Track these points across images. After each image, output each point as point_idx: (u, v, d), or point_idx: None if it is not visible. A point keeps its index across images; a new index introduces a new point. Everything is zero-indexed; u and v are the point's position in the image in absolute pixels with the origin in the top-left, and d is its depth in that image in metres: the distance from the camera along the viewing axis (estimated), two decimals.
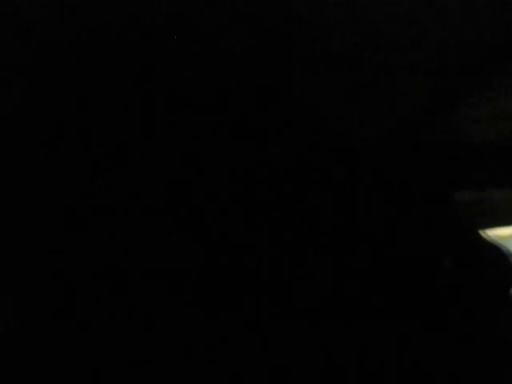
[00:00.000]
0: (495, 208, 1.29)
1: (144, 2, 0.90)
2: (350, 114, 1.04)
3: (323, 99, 1.02)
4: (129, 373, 1.03)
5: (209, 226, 1.05)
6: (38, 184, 1.04)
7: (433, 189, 1.17)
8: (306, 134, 1.04)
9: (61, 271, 1.04)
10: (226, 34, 0.92)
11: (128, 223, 1.02)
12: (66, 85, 0.97)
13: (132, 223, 1.02)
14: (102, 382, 1.03)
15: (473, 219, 1.21)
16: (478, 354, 1.12)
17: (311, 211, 1.11)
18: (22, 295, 1.04)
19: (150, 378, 1.05)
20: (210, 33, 0.92)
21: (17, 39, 0.93)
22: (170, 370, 1.04)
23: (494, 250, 1.13)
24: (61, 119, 0.99)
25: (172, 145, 0.99)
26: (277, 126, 1.02)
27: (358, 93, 1.02)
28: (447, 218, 1.18)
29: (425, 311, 1.13)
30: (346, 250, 1.11)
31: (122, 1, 0.88)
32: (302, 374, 1.06)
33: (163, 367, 1.04)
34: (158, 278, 1.03)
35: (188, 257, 1.05)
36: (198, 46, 0.91)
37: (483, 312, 1.14)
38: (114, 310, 1.03)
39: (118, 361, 1.03)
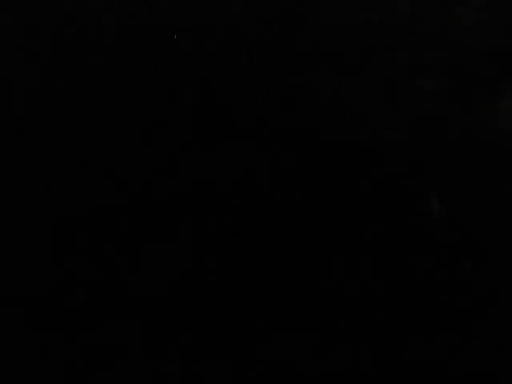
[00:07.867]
0: None
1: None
2: (369, 114, 1.02)
3: (338, 98, 1.01)
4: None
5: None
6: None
7: (449, 187, 1.16)
8: (319, 135, 1.03)
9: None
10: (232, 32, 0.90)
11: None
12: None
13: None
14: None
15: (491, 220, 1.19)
16: (497, 356, 1.10)
17: (322, 203, 1.10)
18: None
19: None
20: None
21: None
22: None
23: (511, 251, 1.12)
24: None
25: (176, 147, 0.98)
26: (288, 126, 1.01)
27: (375, 94, 1.00)
28: (466, 221, 1.16)
29: (445, 312, 1.12)
30: (368, 251, 1.10)
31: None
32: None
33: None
34: None
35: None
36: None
37: (500, 311, 1.12)
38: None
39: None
